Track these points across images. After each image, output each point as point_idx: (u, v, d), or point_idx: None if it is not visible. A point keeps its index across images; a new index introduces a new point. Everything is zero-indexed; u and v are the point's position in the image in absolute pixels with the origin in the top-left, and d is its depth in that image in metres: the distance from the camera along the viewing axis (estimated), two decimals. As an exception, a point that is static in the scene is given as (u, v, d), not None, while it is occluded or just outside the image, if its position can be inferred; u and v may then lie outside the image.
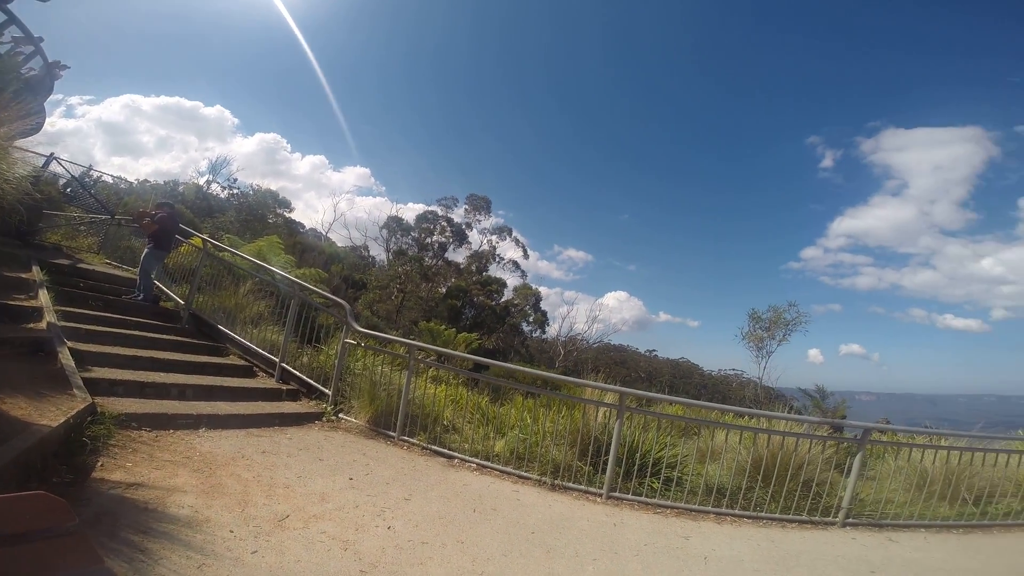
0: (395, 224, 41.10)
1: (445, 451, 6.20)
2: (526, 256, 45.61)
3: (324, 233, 43.10)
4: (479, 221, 44.01)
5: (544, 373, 7.47)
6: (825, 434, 6.37)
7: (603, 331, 49.80)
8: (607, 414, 6.10)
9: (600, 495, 5.62)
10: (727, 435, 6.30)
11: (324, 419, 6.64)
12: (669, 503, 5.58)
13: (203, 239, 9.40)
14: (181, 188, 37.58)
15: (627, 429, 6.05)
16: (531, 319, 45.82)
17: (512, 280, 45.04)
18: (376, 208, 44.98)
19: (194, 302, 8.60)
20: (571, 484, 5.77)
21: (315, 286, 9.69)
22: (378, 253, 43.43)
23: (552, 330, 46.69)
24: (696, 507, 5.52)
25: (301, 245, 27.26)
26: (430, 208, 43.38)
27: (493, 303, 38.84)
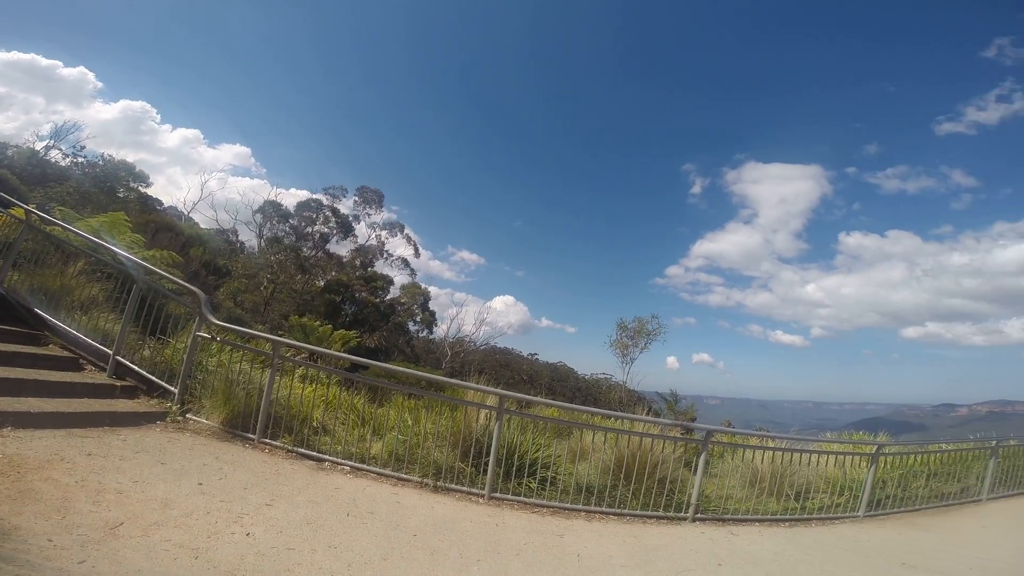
0: (272, 209, 37.42)
1: (314, 454, 5.80)
2: (417, 254, 44.66)
3: (186, 213, 38.35)
4: (369, 215, 42.13)
5: (426, 374, 7.27)
6: (677, 435, 7.04)
7: (490, 334, 50.46)
8: (488, 416, 6.13)
9: (482, 496, 5.62)
10: (594, 436, 6.67)
11: (168, 419, 5.86)
12: (545, 502, 5.74)
13: (26, 210, 7.77)
14: (10, 152, 31.39)
15: (507, 431, 6.13)
16: (419, 319, 44.86)
17: (400, 278, 43.78)
18: (253, 191, 41.06)
19: (6, 281, 7.04)
20: (454, 486, 5.71)
21: (165, 270, 8.47)
22: (249, 239, 39.38)
23: (440, 331, 46.24)
24: (568, 506, 5.74)
25: (155, 224, 23.83)
26: (315, 196, 40.37)
27: (377, 300, 37.25)
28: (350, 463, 5.77)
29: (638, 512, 5.79)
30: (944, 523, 6.56)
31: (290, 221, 37.44)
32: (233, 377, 6.17)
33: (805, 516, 6.37)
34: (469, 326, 46.18)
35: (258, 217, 37.09)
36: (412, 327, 45.65)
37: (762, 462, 6.90)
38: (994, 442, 7.93)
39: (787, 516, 6.29)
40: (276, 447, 5.81)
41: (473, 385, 6.81)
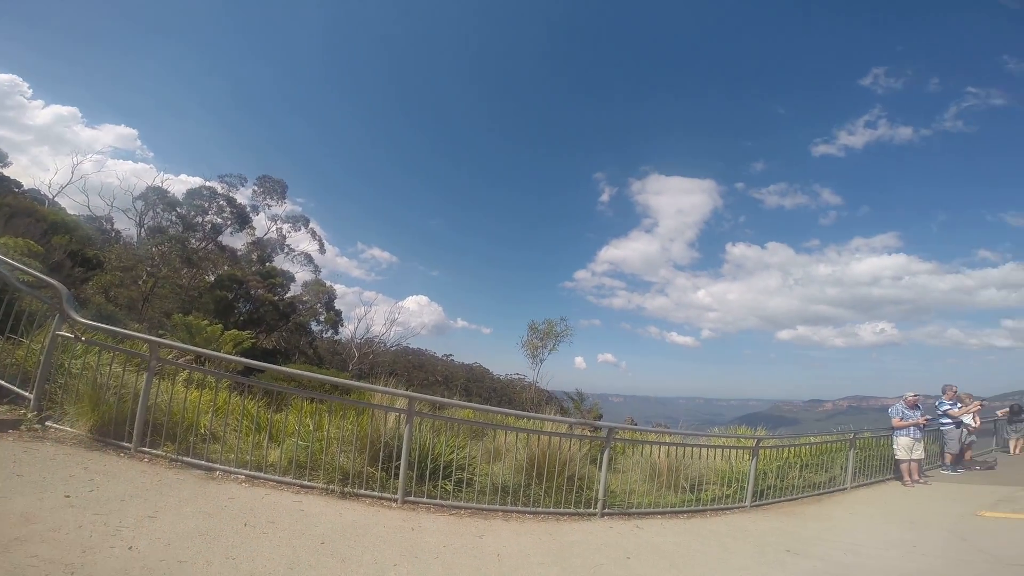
0: (156, 196, 33.42)
1: (203, 462, 5.32)
2: (323, 250, 42.47)
3: (51, 197, 33.37)
4: (269, 206, 39.24)
5: (330, 377, 6.90)
6: (584, 433, 7.29)
7: (402, 334, 49.20)
8: (398, 419, 5.93)
9: (395, 500, 5.41)
10: (506, 436, 6.69)
11: (24, 428, 5.09)
12: (462, 504, 5.67)
13: None
14: None
15: (420, 433, 6.00)
16: (323, 318, 42.55)
17: (304, 275, 41.28)
18: (136, 175, 36.22)
19: None
20: (363, 491, 5.45)
21: (18, 260, 7.35)
22: (127, 228, 34.93)
23: (347, 331, 44.26)
24: (486, 506, 5.71)
25: (10, 208, 20.48)
26: (208, 184, 36.68)
27: (276, 298, 34.76)
28: (245, 471, 5.34)
29: (552, 510, 5.88)
30: (818, 511, 7.31)
31: (177, 210, 33.67)
32: (102, 381, 5.47)
33: (701, 508, 6.81)
34: (379, 326, 44.64)
35: (139, 204, 33.02)
36: (315, 327, 43.36)
37: (660, 457, 7.31)
38: (852, 435, 9.11)
39: (685, 508, 6.69)
40: (157, 456, 5.26)
41: (381, 388, 6.60)
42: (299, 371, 7.79)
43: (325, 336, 45.43)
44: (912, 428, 9.33)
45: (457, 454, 6.20)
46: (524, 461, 6.30)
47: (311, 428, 5.94)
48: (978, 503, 7.33)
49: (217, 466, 5.34)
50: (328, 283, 43.88)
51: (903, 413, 9.57)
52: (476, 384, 66.16)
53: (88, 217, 33.39)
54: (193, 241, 34.12)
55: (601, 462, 6.24)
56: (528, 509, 5.81)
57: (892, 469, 9.65)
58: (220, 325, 16.64)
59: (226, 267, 34.58)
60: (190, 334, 14.37)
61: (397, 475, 5.53)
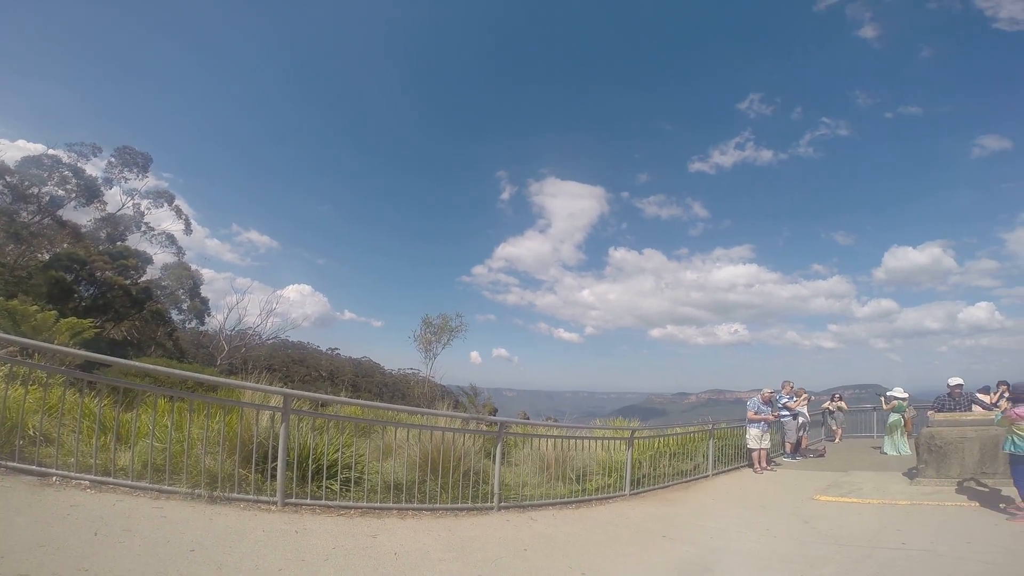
0: None
1: (34, 467, 4.60)
2: (188, 230, 37.82)
3: None
4: (127, 180, 34.09)
5: (194, 374, 6.16)
6: (478, 428, 7.41)
7: (281, 326, 45.17)
8: (272, 417, 5.49)
9: (275, 503, 5.01)
10: (396, 433, 6.57)
11: None
12: (351, 503, 5.39)
13: None
14: None
15: (298, 432, 5.61)
16: (186, 306, 38.01)
17: (165, 257, 36.54)
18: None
19: None
20: (236, 495, 4.97)
21: None
22: None
23: (216, 321, 39.91)
24: (379, 505, 5.48)
25: None
26: (51, 152, 30.75)
27: (128, 282, 30.30)
28: (89, 476, 4.68)
29: (449, 505, 5.83)
30: (687, 497, 8.06)
31: (6, 178, 27.92)
32: None
33: (587, 497, 7.17)
34: (254, 317, 40.86)
35: None
36: (177, 316, 38.61)
37: (548, 450, 7.61)
38: (711, 426, 10.16)
39: (573, 499, 7.02)
40: None
41: (253, 385, 6.23)
42: (155, 366, 6.94)
43: (188, 327, 40.67)
44: (762, 423, 10.26)
45: (343, 453, 5.86)
46: (418, 457, 6.17)
47: (169, 428, 5.25)
48: (814, 488, 8.49)
49: (53, 471, 4.62)
50: (194, 267, 39.32)
51: (758, 407, 10.51)
52: (365, 379, 63.51)
53: None
54: (24, 214, 28.63)
55: (495, 456, 6.32)
56: (425, 506, 5.69)
57: (745, 457, 10.80)
58: (54, 312, 14.09)
59: (66, 244, 29.56)
60: (14, 321, 11.97)
61: (274, 477, 5.14)
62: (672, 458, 9.16)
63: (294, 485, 5.19)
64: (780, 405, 12.03)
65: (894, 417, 12.32)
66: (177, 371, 6.09)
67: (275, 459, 5.15)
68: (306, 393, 5.79)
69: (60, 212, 30.51)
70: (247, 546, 3.89)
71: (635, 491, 7.86)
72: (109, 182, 32.97)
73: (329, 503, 5.24)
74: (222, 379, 6.03)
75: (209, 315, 39.55)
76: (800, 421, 12.25)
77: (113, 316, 30.46)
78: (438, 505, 5.78)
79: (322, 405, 7.07)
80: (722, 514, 6.99)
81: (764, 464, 10.26)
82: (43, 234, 29.45)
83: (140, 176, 34.29)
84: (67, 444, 5.04)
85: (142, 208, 34.78)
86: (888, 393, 13.28)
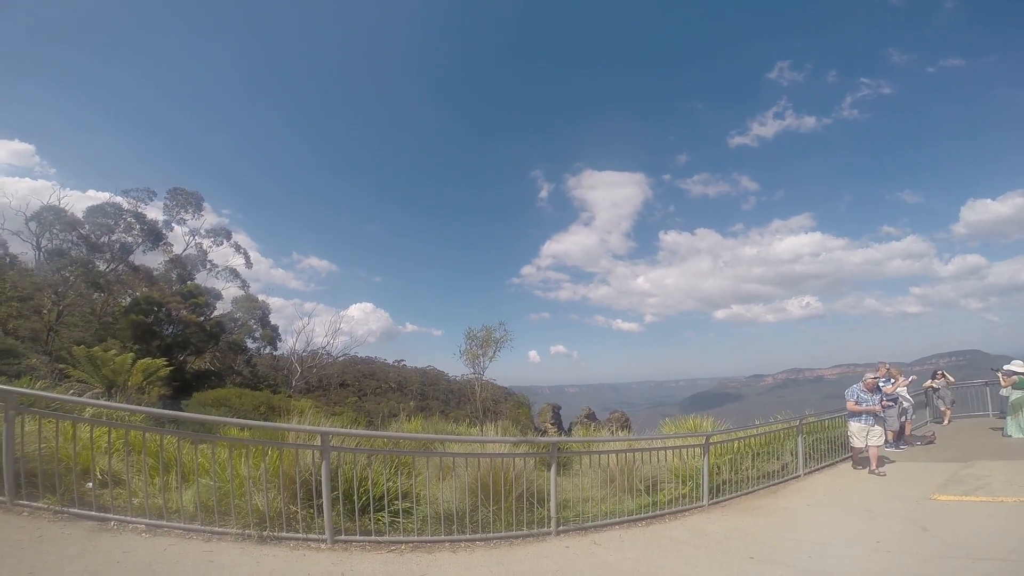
0: (52, 215, 29.77)
1: (94, 513, 4.64)
2: (249, 264, 39.92)
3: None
4: (185, 220, 36.34)
5: (238, 420, 6.26)
6: (527, 451, 6.72)
7: (349, 344, 47.44)
8: (313, 455, 5.25)
9: (324, 541, 4.79)
10: (442, 461, 6.17)
11: None
12: (402, 538, 5.10)
13: None
14: None
15: (347, 466, 5.42)
16: (258, 334, 40.26)
17: (233, 290, 38.84)
18: (35, 193, 32.20)
19: None
20: (285, 534, 4.81)
21: None
22: (24, 252, 31.22)
23: (289, 345, 41.98)
24: (430, 538, 5.15)
25: None
26: (112, 199, 33.24)
27: (201, 318, 32.24)
28: (145, 520, 4.66)
29: (503, 534, 5.39)
30: (776, 505, 7.06)
31: (79, 230, 30.30)
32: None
33: (659, 512, 6.49)
34: (322, 338, 42.67)
35: (33, 226, 29.36)
36: (252, 344, 40.97)
37: (612, 461, 6.97)
38: (798, 421, 8.96)
39: (643, 515, 6.36)
40: (39, 509, 4.59)
41: (289, 426, 6.08)
42: (201, 416, 6.98)
43: (263, 353, 43.04)
44: (866, 415, 8.61)
45: (393, 482, 5.57)
46: (467, 483, 5.77)
47: (214, 467, 5.16)
48: (929, 485, 7.32)
49: (112, 516, 4.64)
50: (261, 297, 41.71)
51: (859, 396, 8.79)
52: (431, 388, 64.86)
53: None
54: (100, 263, 30.94)
55: (550, 480, 5.77)
56: (478, 536, 5.29)
57: (842, 451, 9.64)
58: (130, 354, 14.94)
59: (144, 289, 31.73)
60: (95, 367, 12.79)
61: (323, 513, 4.91)
62: (755, 458, 8.23)
63: (342, 520, 4.97)
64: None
65: (1017, 394, 10.61)
66: (214, 418, 6.07)
67: (319, 496, 4.94)
68: (343, 430, 5.60)
69: (131, 258, 32.72)
70: (289, 594, 3.65)
71: (714, 500, 7.08)
72: (168, 224, 35.20)
73: (379, 539, 4.97)
74: (261, 423, 5.94)
75: (280, 340, 41.76)
76: (903, 406, 10.88)
77: (192, 351, 32.37)
78: (491, 534, 5.35)
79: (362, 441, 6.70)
80: (820, 524, 6.07)
81: (874, 467, 8.49)
82: (121, 280, 31.74)
83: (195, 215, 36.53)
84: (134, 485, 5.07)
85: (204, 247, 36.99)
86: (1006, 367, 11.43)
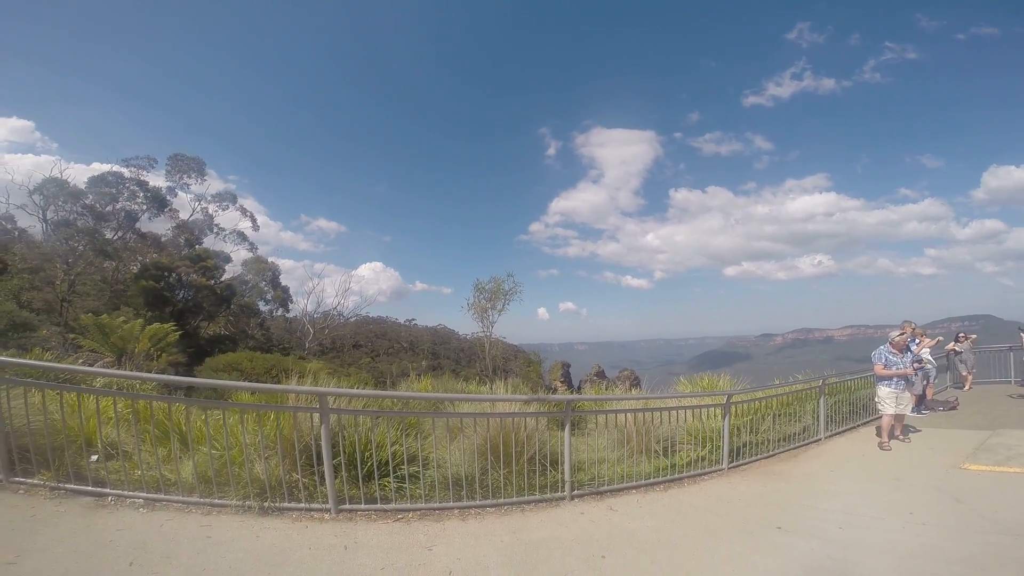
0: (54, 187, 29.52)
1: (90, 488, 4.48)
2: (256, 226, 39.64)
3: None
4: (188, 186, 35.90)
5: (227, 382, 6.04)
6: (540, 409, 6.41)
7: (360, 304, 47.80)
8: (311, 418, 4.97)
9: (328, 511, 4.60)
10: (448, 423, 5.84)
11: None
12: (409, 506, 4.86)
13: None
14: None
15: (351, 428, 5.18)
16: (270, 296, 40.51)
17: (242, 254, 38.80)
18: (39, 169, 31.86)
19: None
20: (288, 504, 4.61)
21: None
22: (32, 225, 31.19)
23: (301, 306, 42.31)
24: (438, 505, 4.91)
25: None
26: (113, 169, 32.63)
27: (212, 282, 32.27)
28: (142, 495, 4.48)
29: (515, 500, 5.15)
30: (798, 469, 6.75)
31: (82, 200, 29.93)
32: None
33: (677, 476, 6.24)
34: (333, 298, 42.93)
35: (37, 198, 29.09)
36: (264, 307, 41.30)
37: (627, 419, 6.68)
38: (821, 381, 8.57)
39: (661, 478, 6.10)
40: (35, 486, 4.44)
41: (285, 387, 5.88)
42: (192, 379, 6.75)
43: (276, 315, 43.43)
44: (896, 379, 7.78)
45: (399, 446, 5.34)
46: (476, 445, 5.53)
47: (221, 435, 4.96)
48: (957, 453, 6.97)
49: (109, 491, 4.47)
50: (271, 259, 41.58)
51: (887, 358, 7.85)
52: (442, 346, 65.57)
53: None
54: (107, 232, 30.78)
55: (564, 440, 5.49)
56: (488, 502, 5.05)
57: (864, 414, 9.34)
58: (139, 321, 14.87)
59: (153, 255, 31.69)
60: (104, 335, 12.72)
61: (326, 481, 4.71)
62: (775, 420, 7.93)
63: (346, 487, 4.74)
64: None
65: None
66: (212, 382, 5.77)
67: (321, 463, 4.71)
68: (343, 391, 5.24)
69: (137, 225, 32.55)
70: (289, 569, 3.53)
71: (734, 464, 6.82)
72: (172, 190, 34.80)
73: (385, 507, 4.75)
74: (258, 385, 5.63)
75: (292, 302, 41.99)
76: (926, 368, 10.42)
77: (205, 316, 32.58)
78: (503, 500, 5.12)
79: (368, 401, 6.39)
80: (846, 491, 5.75)
81: (898, 433, 8.00)
82: (129, 248, 31.68)
83: (199, 180, 35.97)
84: (135, 457, 4.94)
85: (210, 211, 36.64)
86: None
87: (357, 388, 7.49)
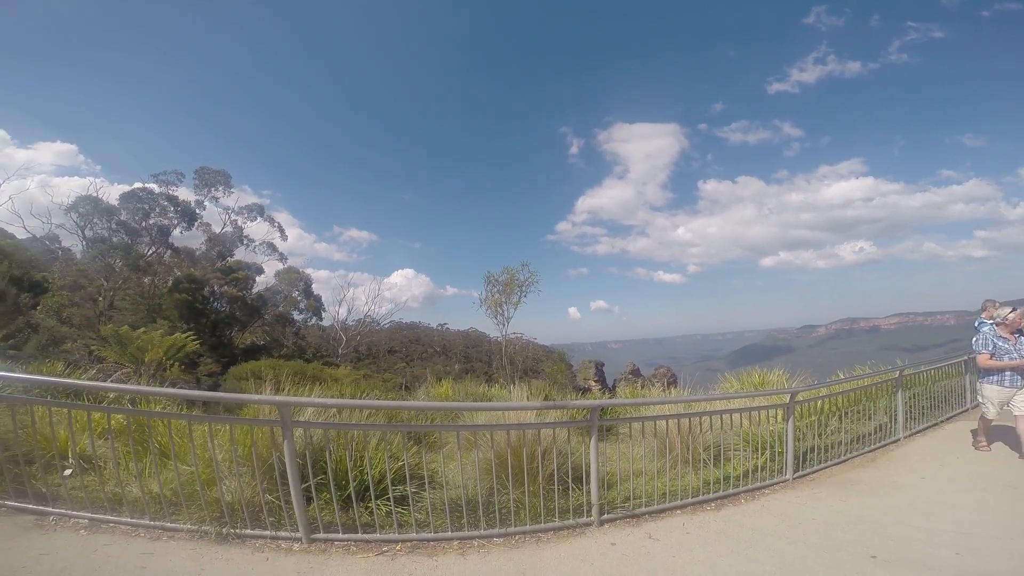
0: (88, 205, 29.72)
1: (30, 506, 3.90)
2: (284, 236, 39.83)
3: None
4: (216, 198, 36.36)
5: (190, 392, 5.22)
6: (560, 418, 5.48)
7: (393, 310, 47.82)
8: (273, 431, 4.14)
9: (298, 540, 3.78)
10: (441, 437, 5.15)
11: None
12: (398, 536, 3.95)
13: None
14: None
15: (337, 443, 4.39)
16: (303, 306, 40.84)
17: (274, 265, 39.23)
18: (86, 191, 32.97)
19: None
20: (250, 531, 3.82)
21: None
22: (73, 244, 31.85)
23: (337, 314, 42.57)
24: (433, 535, 3.99)
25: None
26: (144, 185, 33.02)
27: (242, 293, 32.51)
28: (88, 514, 3.85)
29: (528, 528, 4.14)
30: (880, 478, 5.56)
31: (117, 217, 30.45)
32: None
33: (732, 491, 5.12)
34: (367, 305, 43.10)
35: (74, 217, 29.76)
36: (297, 316, 41.66)
37: (672, 428, 5.57)
38: (898, 372, 7.19)
39: (711, 495, 4.99)
40: None
41: (241, 396, 4.99)
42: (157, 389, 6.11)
43: (310, 324, 43.85)
44: (1009, 372, 5.86)
45: (399, 461, 4.47)
46: (481, 461, 4.51)
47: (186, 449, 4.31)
48: None
49: (51, 509, 3.88)
50: (303, 269, 42.04)
51: (995, 344, 5.95)
52: (474, 349, 65.06)
53: (30, 239, 30.55)
54: (141, 247, 31.33)
55: (590, 458, 4.41)
56: (495, 531, 4.07)
57: (946, 408, 7.98)
58: (160, 331, 14.66)
59: (186, 268, 32.16)
60: (121, 345, 12.49)
61: (309, 504, 3.92)
62: (843, 418, 6.71)
63: (319, 512, 3.91)
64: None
65: None
66: (175, 392, 5.10)
67: (304, 480, 3.87)
68: (309, 400, 4.33)
69: (170, 240, 33.07)
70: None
71: (800, 473, 5.64)
72: (200, 203, 35.22)
73: (367, 537, 3.85)
74: (219, 394, 4.79)
75: (325, 311, 42.24)
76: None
77: (238, 326, 32.87)
78: (514, 528, 4.12)
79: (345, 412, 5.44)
80: (951, 505, 4.56)
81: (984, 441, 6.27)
82: (163, 262, 32.22)
83: (226, 192, 36.26)
84: (107, 471, 4.40)
85: (239, 224, 36.96)
86: None
87: (393, 397, 6.58)
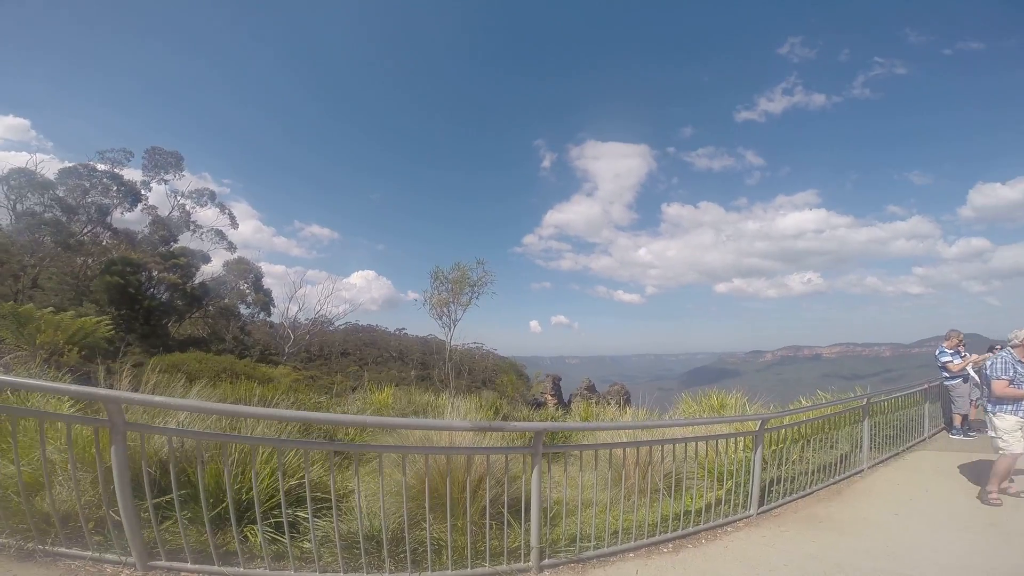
0: (21, 178, 27.42)
1: None
2: (234, 224, 37.80)
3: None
4: (166, 181, 34.16)
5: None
6: (497, 446, 4.63)
7: (348, 311, 45.92)
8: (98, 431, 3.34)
9: (131, 566, 2.95)
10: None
11: None
12: (267, 572, 3.11)
13: None
14: None
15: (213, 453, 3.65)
16: (251, 299, 38.67)
17: (222, 254, 37.05)
18: (39, 167, 30.22)
19: None
20: (68, 549, 2.94)
21: None
22: (2, 217, 29.54)
23: (287, 311, 40.46)
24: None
25: None
26: (88, 162, 30.78)
27: (182, 280, 30.33)
28: None
29: (449, 574, 3.32)
30: (849, 514, 5.03)
31: (51, 192, 27.99)
32: None
33: (691, 529, 4.48)
34: (324, 305, 41.17)
35: (3, 189, 27.39)
36: (245, 310, 39.45)
37: (629, 457, 4.86)
38: (865, 400, 6.82)
39: (668, 535, 4.32)
40: None
41: (60, 386, 3.46)
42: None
43: (257, 319, 41.62)
44: None
45: (294, 480, 3.65)
46: (394, 486, 3.83)
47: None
48: None
49: None
50: (256, 262, 39.82)
51: (1016, 370, 5.18)
52: (435, 356, 63.80)
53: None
54: (76, 225, 28.93)
55: (530, 492, 3.65)
56: None
57: (907, 437, 7.70)
58: (71, 313, 13.15)
59: (124, 251, 29.86)
60: (19, 324, 11.04)
61: (167, 518, 3.21)
62: (804, 447, 6.25)
63: (158, 535, 3.09)
64: (939, 364, 8.64)
65: None
66: None
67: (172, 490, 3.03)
68: (146, 397, 3.27)
69: (109, 220, 30.80)
70: None
71: (764, 508, 5.08)
72: (147, 184, 33.02)
73: (225, 570, 2.99)
74: (40, 382, 3.68)
75: (274, 306, 40.21)
76: (971, 385, 8.76)
77: (176, 315, 30.77)
78: (429, 574, 3.29)
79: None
80: (930, 547, 4.05)
81: (1007, 485, 5.45)
82: (98, 243, 29.88)
83: (176, 175, 34.18)
84: None
85: (187, 208, 34.84)
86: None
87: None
